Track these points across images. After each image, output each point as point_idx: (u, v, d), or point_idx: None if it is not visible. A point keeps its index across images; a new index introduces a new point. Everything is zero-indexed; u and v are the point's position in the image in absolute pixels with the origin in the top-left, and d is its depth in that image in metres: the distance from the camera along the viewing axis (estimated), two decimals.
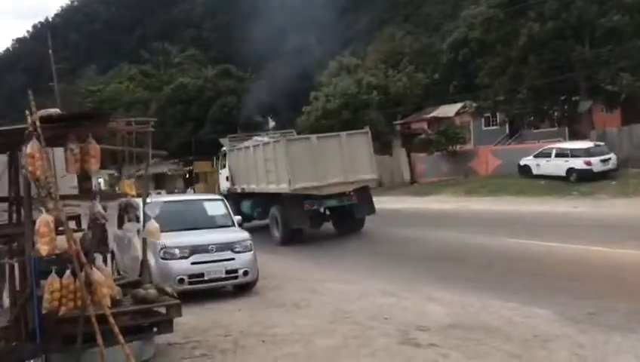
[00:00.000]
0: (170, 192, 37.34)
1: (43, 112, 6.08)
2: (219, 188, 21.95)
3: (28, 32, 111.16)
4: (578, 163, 24.82)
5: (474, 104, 37.68)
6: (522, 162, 28.05)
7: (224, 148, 21.90)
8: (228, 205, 11.53)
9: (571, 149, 25.76)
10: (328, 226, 18.63)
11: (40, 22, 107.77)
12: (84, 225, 7.49)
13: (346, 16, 77.91)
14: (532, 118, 35.09)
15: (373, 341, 7.09)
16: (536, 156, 27.28)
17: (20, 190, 6.81)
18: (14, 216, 7.37)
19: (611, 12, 28.15)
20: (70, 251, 5.68)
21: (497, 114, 38.28)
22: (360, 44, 60.58)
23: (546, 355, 6.39)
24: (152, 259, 9.46)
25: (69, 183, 14.52)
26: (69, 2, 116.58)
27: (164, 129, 49.55)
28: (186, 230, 10.43)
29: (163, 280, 9.44)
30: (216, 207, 11.36)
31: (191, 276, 9.83)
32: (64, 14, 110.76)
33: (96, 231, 6.24)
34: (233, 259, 10.13)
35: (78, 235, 6.43)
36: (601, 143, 26.10)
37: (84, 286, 5.70)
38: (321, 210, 17.54)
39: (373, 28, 67.99)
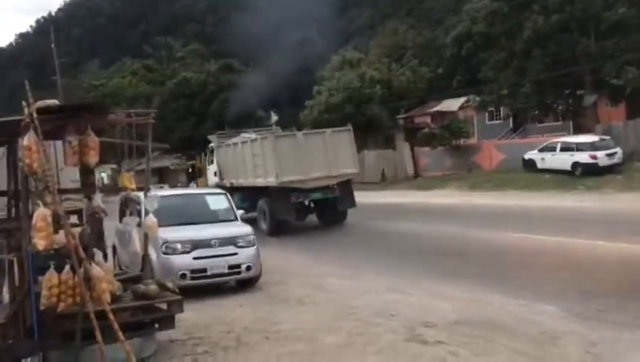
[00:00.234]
0: (172, 186, 37.18)
1: (41, 104, 5.91)
2: (207, 183, 22.80)
3: (31, 26, 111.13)
4: (584, 157, 24.60)
5: (477, 98, 37.43)
6: (527, 156, 27.82)
7: (212, 144, 22.65)
8: (230, 199, 11.34)
9: (577, 143, 25.53)
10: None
11: (43, 16, 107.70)
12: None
13: (348, 10, 77.59)
14: (536, 112, 34.85)
15: (379, 338, 6.93)
16: (541, 150, 27.06)
17: (18, 183, 6.66)
18: (13, 210, 7.22)
19: (617, 5, 27.87)
20: (69, 246, 5.52)
21: (501, 108, 38.03)
22: (362, 38, 60.25)
23: (556, 353, 6.23)
24: (153, 254, 9.32)
25: (69, 177, 14.39)
26: None
27: (167, 123, 49.41)
28: (188, 224, 10.28)
29: (165, 275, 9.29)
30: (218, 201, 11.20)
31: (193, 271, 9.67)
32: (67, 9, 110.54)
33: (95, 226, 6.08)
34: (236, 253, 9.96)
35: (79, 230, 6.30)
36: (607, 137, 25.86)
37: (83, 282, 5.54)
38: (306, 202, 18.26)
39: (375, 22, 67.67)
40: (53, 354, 5.81)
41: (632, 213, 16.74)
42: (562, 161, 25.46)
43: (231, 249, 9.96)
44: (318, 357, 6.45)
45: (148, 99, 55.94)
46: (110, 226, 12.02)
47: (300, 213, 18.41)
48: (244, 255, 10.03)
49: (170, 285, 6.78)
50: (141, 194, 7.88)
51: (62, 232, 5.63)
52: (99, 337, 5.37)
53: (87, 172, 9.41)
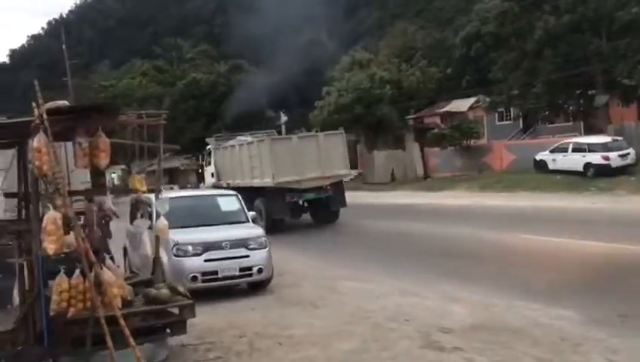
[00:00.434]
0: (182, 187, 37.11)
1: (51, 105, 5.78)
2: (204, 184, 23.61)
3: (43, 28, 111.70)
4: (596, 158, 24.27)
5: (487, 99, 37.12)
6: (538, 157, 27.51)
7: (209, 146, 23.44)
8: (242, 200, 11.18)
9: (589, 144, 25.20)
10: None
11: (55, 18, 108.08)
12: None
13: (357, 11, 77.36)
14: (547, 112, 34.52)
15: (394, 344, 6.74)
16: (552, 151, 26.74)
17: (28, 185, 6.53)
18: (24, 211, 7.09)
19: (629, 4, 27.49)
20: (79, 249, 5.38)
21: (511, 108, 37.68)
22: (372, 39, 59.99)
23: (578, 361, 6.02)
24: (164, 256, 9.14)
25: (80, 178, 14.29)
26: None
27: (177, 124, 49.40)
28: (199, 226, 10.13)
29: (176, 278, 9.14)
30: (229, 203, 11.03)
31: (204, 273, 9.52)
32: (78, 11, 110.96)
33: (103, 229, 5.94)
34: (247, 256, 9.80)
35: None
36: (620, 138, 25.52)
37: (93, 287, 5.40)
38: (301, 202, 18.97)
39: (384, 23, 67.37)
40: (63, 360, 5.66)
41: None
42: (574, 161, 25.15)
43: (242, 251, 9.80)
44: None
45: (158, 99, 55.99)
46: (121, 228, 11.92)
47: (295, 212, 19.13)
48: (256, 257, 9.87)
49: (181, 289, 6.63)
50: (152, 196, 7.75)
51: (72, 234, 5.51)
52: (110, 343, 5.23)
53: (97, 173, 9.28)
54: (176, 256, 9.51)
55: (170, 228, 9.33)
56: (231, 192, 11.75)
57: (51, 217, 5.25)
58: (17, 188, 7.08)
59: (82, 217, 6.10)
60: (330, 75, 43.59)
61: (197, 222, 10.21)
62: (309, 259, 13.31)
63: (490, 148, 34.98)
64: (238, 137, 22.91)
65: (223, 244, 9.71)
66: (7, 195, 7.88)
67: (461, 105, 43.56)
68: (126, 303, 6.00)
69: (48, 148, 5.33)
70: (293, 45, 53.97)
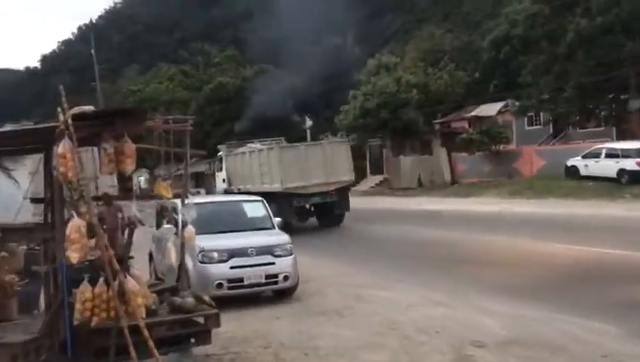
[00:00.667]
0: (209, 192, 37.18)
1: (76, 110, 5.69)
2: (215, 189, 24.96)
3: (73, 34, 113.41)
4: (630, 164, 23.58)
5: (516, 103, 36.48)
6: (569, 163, 26.88)
7: (220, 153, 24.73)
8: (267, 206, 11.04)
9: (622, 149, 24.51)
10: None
11: (85, 24, 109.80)
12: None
13: (384, 15, 77.02)
14: (578, 117, 33.79)
15: (425, 358, 6.50)
16: (584, 157, 26.10)
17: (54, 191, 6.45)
18: (50, 217, 7.03)
19: None
20: (102, 258, 5.27)
21: (541, 113, 36.98)
22: (398, 43, 59.67)
23: None
24: (190, 263, 9.04)
25: (107, 183, 14.30)
26: (112, 5, 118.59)
27: (203, 128, 49.62)
28: (225, 232, 10.02)
29: (201, 285, 9.06)
30: (255, 209, 10.90)
31: (230, 280, 9.39)
32: (107, 16, 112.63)
33: (127, 237, 5.83)
34: (273, 263, 9.64)
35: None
36: None
37: (117, 296, 5.28)
38: (307, 206, 20.18)
39: (411, 27, 66.93)
40: None
41: None
42: (607, 167, 24.48)
43: (268, 258, 9.65)
44: None
45: (185, 104, 56.39)
46: (148, 233, 11.86)
47: (302, 216, 20.12)
48: (282, 264, 9.71)
49: (206, 298, 6.50)
50: (178, 201, 7.64)
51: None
52: (133, 354, 5.11)
53: (124, 178, 9.21)
54: (201, 262, 9.40)
55: (198, 233, 9.34)
56: (257, 198, 11.60)
57: (75, 225, 5.15)
58: (44, 193, 7.04)
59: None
60: (356, 79, 43.34)
61: (223, 228, 10.11)
62: (334, 266, 13.10)
63: (520, 153, 34.35)
64: (249, 145, 24.08)
65: (249, 251, 9.57)
66: (33, 200, 7.85)
67: (489, 109, 42.91)
68: (150, 312, 5.87)
69: (73, 154, 5.24)
70: (318, 50, 53.92)
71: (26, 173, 7.36)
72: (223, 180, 23.86)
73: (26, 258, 7.69)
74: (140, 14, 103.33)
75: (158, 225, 11.31)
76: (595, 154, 25.58)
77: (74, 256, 5.09)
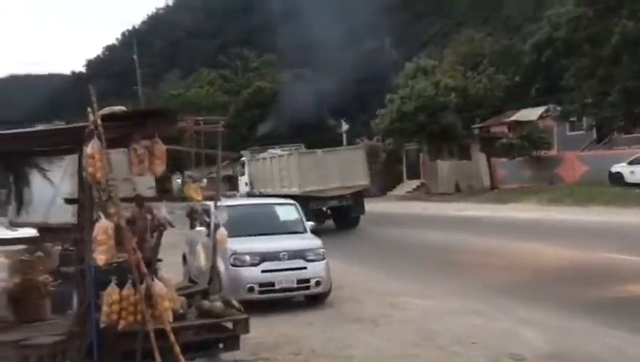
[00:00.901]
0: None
1: (106, 110, 5.63)
2: (238, 192, 25.80)
3: (117, 39, 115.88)
4: None
5: (558, 107, 35.51)
6: (614, 169, 25.94)
7: (243, 158, 25.65)
8: (300, 210, 10.87)
9: None
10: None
11: (128, 30, 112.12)
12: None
13: (422, 19, 76.29)
14: (622, 122, 32.67)
15: None
16: (630, 163, 25.16)
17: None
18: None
19: None
20: (130, 260, 5.17)
21: (584, 118, 35.91)
22: (437, 47, 58.95)
23: None
24: (221, 265, 8.96)
25: (146, 184, 14.33)
26: (154, 11, 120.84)
27: (241, 132, 49.95)
28: (257, 235, 9.89)
29: (232, 288, 8.94)
30: (288, 212, 10.76)
31: (261, 284, 9.24)
32: (150, 22, 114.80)
33: (156, 239, 5.71)
34: (305, 268, 9.46)
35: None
36: None
37: (143, 300, 5.16)
38: (324, 209, 20.82)
39: (449, 31, 66.08)
40: None
41: None
42: None
43: (300, 262, 9.47)
44: None
45: (224, 108, 56.87)
46: (182, 234, 11.83)
47: (319, 219, 19.82)
48: (314, 269, 9.51)
49: (235, 303, 6.34)
50: (210, 204, 7.54)
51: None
52: (158, 359, 4.99)
53: (162, 179, 9.14)
54: (233, 265, 9.28)
55: (230, 236, 9.23)
56: (289, 201, 11.45)
57: (102, 226, 5.06)
58: (78, 194, 7.02)
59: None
60: (393, 82, 42.89)
61: (255, 231, 9.98)
62: (367, 272, 12.81)
63: (562, 159, 33.39)
64: (270, 150, 25.19)
65: (281, 255, 9.41)
66: (67, 201, 7.86)
67: (530, 114, 41.87)
68: (178, 316, 5.75)
69: (102, 155, 5.16)
70: (355, 53, 53.72)
71: (62, 173, 7.34)
72: (246, 184, 24.90)
73: (60, 258, 7.71)
74: (182, 20, 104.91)
75: (192, 227, 11.27)
76: None
77: (100, 257, 4.99)
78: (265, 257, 9.37)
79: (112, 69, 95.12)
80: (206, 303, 6.27)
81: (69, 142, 5.88)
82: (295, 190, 19.74)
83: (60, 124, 6.69)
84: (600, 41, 29.58)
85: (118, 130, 5.52)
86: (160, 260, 6.29)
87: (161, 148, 5.75)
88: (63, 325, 6.05)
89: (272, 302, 9.36)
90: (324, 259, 9.71)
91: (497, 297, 9.72)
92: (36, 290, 6.89)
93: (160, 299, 5.29)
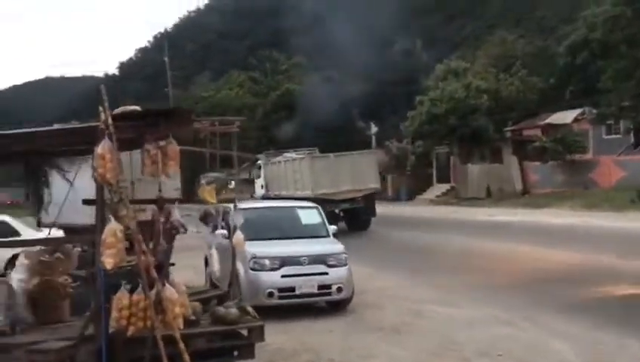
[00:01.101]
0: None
1: (119, 110, 5.51)
2: (255, 194, 26.35)
3: (149, 42, 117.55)
4: None
5: (594, 110, 34.59)
6: None
7: (259, 161, 26.25)
8: (323, 213, 10.65)
9: None
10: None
11: (160, 32, 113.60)
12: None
13: (453, 21, 75.46)
14: None
15: None
16: None
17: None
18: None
19: None
20: (139, 264, 5.03)
21: (621, 121, 34.91)
22: (469, 49, 58.15)
23: None
24: (241, 269, 8.81)
25: (172, 185, 14.26)
26: (186, 14, 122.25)
27: (268, 134, 50.06)
28: (278, 239, 9.70)
29: (252, 293, 8.79)
30: (310, 215, 10.51)
31: (281, 289, 9.04)
32: (181, 25, 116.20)
33: (169, 242, 5.56)
34: (326, 273, 9.23)
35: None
36: None
37: (152, 305, 5.01)
38: (337, 211, 20.78)
39: (482, 32, 65.14)
40: None
41: None
42: None
43: (321, 268, 9.24)
44: None
45: (252, 110, 57.09)
46: (203, 237, 11.74)
47: (332, 220, 20.95)
48: (335, 275, 9.27)
49: (250, 309, 6.16)
50: (228, 206, 7.40)
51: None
52: None
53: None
54: (252, 269, 9.10)
55: (247, 239, 9.03)
56: (312, 204, 11.22)
57: (111, 229, 4.93)
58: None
59: None
60: (423, 84, 42.40)
61: (275, 234, 9.82)
62: (392, 277, 12.51)
63: (597, 163, 32.49)
64: (285, 154, 26.14)
65: (302, 259, 9.20)
66: (84, 202, 7.82)
67: (564, 117, 40.89)
68: (190, 323, 5.59)
69: (113, 155, 5.03)
70: (386, 55, 53.32)
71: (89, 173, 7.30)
72: (262, 186, 25.64)
73: (79, 260, 7.68)
74: (213, 23, 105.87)
75: (214, 230, 11.16)
76: None
77: (108, 261, 4.86)
78: (285, 261, 9.16)
79: (144, 71, 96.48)
80: (220, 309, 6.10)
81: (82, 142, 5.78)
82: (308, 193, 20.30)
83: (76, 124, 6.59)
84: (637, 42, 28.70)
85: (130, 131, 5.40)
86: (172, 264, 6.14)
87: (174, 149, 5.60)
88: (78, 327, 5.97)
89: (293, 307, 9.14)
90: (346, 265, 9.48)
91: (526, 306, 9.36)
92: (55, 291, 6.82)
93: (170, 304, 5.14)
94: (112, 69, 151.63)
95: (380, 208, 23.57)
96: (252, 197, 24.82)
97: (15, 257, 7.45)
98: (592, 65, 33.53)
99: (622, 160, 32.15)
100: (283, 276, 9.07)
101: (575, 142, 32.87)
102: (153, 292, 5.10)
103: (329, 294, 9.29)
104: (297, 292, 9.10)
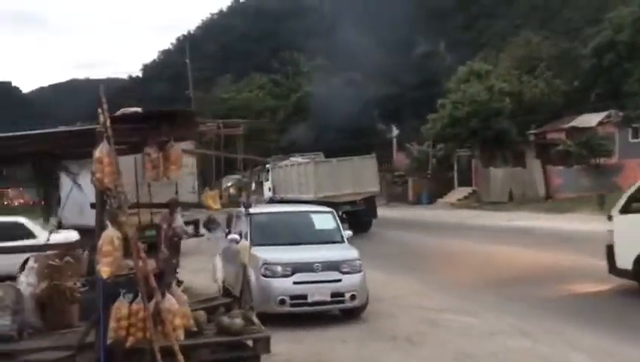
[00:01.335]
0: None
1: (121, 112, 5.34)
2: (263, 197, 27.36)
3: (172, 44, 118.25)
4: None
5: (620, 113, 33.79)
6: None
7: (267, 165, 26.99)
8: (337, 218, 10.36)
9: None
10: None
11: (183, 34, 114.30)
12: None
13: (477, 22, 74.62)
14: None
15: None
16: None
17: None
18: None
19: None
20: (138, 273, 4.83)
21: None
22: (492, 50, 57.40)
23: None
24: (252, 276, 8.58)
25: (187, 188, 14.09)
26: (209, 16, 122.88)
27: (289, 137, 49.92)
28: (290, 245, 9.44)
29: (263, 300, 8.57)
30: (324, 220, 10.21)
31: (293, 297, 8.77)
32: (204, 27, 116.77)
33: (172, 250, 5.37)
34: (340, 280, 8.93)
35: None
36: None
37: (150, 316, 4.81)
38: (340, 213, 22.43)
39: (506, 33, 64.28)
40: None
41: None
42: None
43: (335, 274, 8.95)
44: None
45: (273, 112, 57.02)
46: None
47: None
48: (349, 282, 8.98)
49: (255, 319, 5.93)
50: (237, 211, 7.21)
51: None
52: None
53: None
54: (264, 276, 8.86)
55: (259, 245, 8.86)
56: (326, 209, 10.94)
57: (108, 236, 4.74)
58: None
59: None
60: (446, 86, 41.86)
61: (288, 240, 9.57)
62: (408, 284, 12.14)
63: (623, 167, 31.68)
64: (291, 158, 27.52)
65: (314, 266, 8.91)
66: (92, 206, 7.70)
67: (589, 120, 40.03)
68: (192, 333, 5.38)
69: (111, 159, 4.85)
70: (408, 57, 52.91)
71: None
72: (269, 189, 26.74)
73: (90, 264, 7.55)
74: (235, 25, 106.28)
75: (227, 234, 10.96)
76: None
77: (104, 269, 4.68)
78: (297, 268, 8.89)
79: (166, 72, 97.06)
80: (225, 319, 5.90)
81: (83, 145, 5.61)
82: (311, 195, 21.34)
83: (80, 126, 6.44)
84: None
85: (131, 134, 5.22)
86: (179, 281, 5.94)
87: (177, 152, 5.42)
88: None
89: (305, 315, 8.88)
90: (360, 271, 9.19)
91: (547, 317, 9.00)
92: (63, 296, 6.70)
93: (170, 315, 4.94)
94: (136, 71, 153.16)
95: (400, 211, 23.30)
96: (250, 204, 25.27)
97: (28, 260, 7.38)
98: (619, 68, 32.84)
99: None
100: (295, 283, 8.81)
101: (600, 145, 32.14)
102: (152, 302, 4.91)
103: (342, 302, 9.01)
104: (310, 299, 8.82)
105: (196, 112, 6.57)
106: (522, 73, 41.55)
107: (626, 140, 38.01)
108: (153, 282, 4.88)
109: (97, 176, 4.84)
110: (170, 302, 5.01)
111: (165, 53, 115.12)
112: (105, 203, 5.24)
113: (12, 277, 7.98)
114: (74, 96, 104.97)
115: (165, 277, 5.33)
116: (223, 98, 63.71)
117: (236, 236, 9.02)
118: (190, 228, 12.52)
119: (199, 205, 6.55)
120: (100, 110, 4.99)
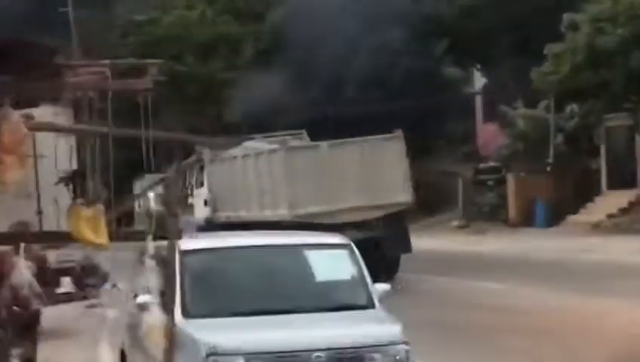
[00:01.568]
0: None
1: None
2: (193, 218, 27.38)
3: None
4: None
5: None
6: None
7: (202, 158, 27.53)
8: (360, 258, 10.39)
9: None
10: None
11: None
12: None
13: None
14: None
15: None
16: None
17: None
18: None
19: None
20: None
21: None
22: None
23: None
24: None
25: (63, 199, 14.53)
26: None
27: (260, 97, 50.62)
28: (264, 314, 9.43)
29: None
30: (332, 262, 10.38)
31: None
32: None
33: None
34: None
35: None
36: None
37: None
38: None
39: None
40: None
41: None
42: None
43: None
44: None
45: (232, 46, 58.55)
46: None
47: None
48: None
49: None
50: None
51: None
52: None
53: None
54: None
55: (200, 316, 8.81)
56: (338, 241, 11.02)
57: None
58: None
59: None
60: None
61: (260, 305, 9.64)
62: None
63: None
64: (245, 143, 26.77)
65: (314, 358, 8.83)
66: None
67: None
68: None
69: None
70: None
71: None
72: (205, 202, 27.55)
73: None
74: None
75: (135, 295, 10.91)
76: None
77: None
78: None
79: None
80: None
81: None
82: (283, 212, 21.98)
83: None
84: None
85: None
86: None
87: (16, 127, 5.33)
88: None
89: None
90: None
91: None
92: None
93: None
94: None
95: (491, 241, 23.34)
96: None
97: None
98: None
99: None
100: None
101: None
102: None
103: None
104: None
105: (55, 47, 6.47)
106: None
107: None
108: None
109: None
110: None
111: None
112: None
113: None
114: None
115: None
116: (138, 22, 64.17)
117: (146, 298, 8.88)
118: (67, 282, 12.97)
119: (65, 236, 6.45)
120: None
